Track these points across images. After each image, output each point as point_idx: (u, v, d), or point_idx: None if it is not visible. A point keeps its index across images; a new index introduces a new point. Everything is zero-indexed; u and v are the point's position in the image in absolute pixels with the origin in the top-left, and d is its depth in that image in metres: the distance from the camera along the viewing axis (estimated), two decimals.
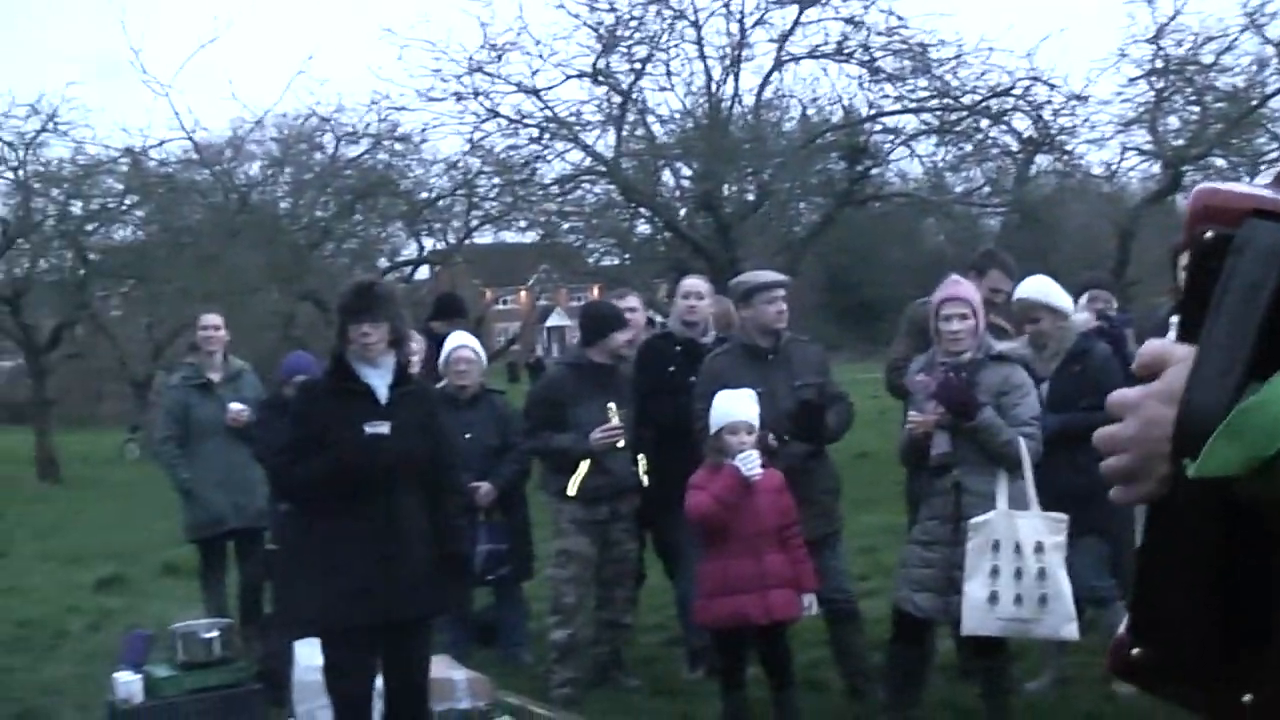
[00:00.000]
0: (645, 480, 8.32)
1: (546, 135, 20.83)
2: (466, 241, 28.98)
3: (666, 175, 22.04)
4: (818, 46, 20.18)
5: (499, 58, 19.92)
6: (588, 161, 21.16)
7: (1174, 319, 1.35)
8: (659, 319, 10.22)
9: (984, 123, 20.56)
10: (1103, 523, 7.00)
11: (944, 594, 6.65)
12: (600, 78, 20.12)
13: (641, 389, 8.44)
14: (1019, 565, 6.42)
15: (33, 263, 27.27)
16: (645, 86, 20.70)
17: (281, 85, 54.87)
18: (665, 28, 20.01)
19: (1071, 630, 6.55)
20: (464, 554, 6.46)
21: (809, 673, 7.96)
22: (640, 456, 8.33)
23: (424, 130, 22.78)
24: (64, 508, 21.07)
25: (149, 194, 25.80)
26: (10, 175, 26.06)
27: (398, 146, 24.90)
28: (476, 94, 20.25)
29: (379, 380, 6.13)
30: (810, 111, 22.20)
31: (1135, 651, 1.30)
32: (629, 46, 19.98)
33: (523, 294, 55.36)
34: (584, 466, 8.12)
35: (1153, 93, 20.53)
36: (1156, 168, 22.02)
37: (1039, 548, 6.41)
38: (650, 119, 21.32)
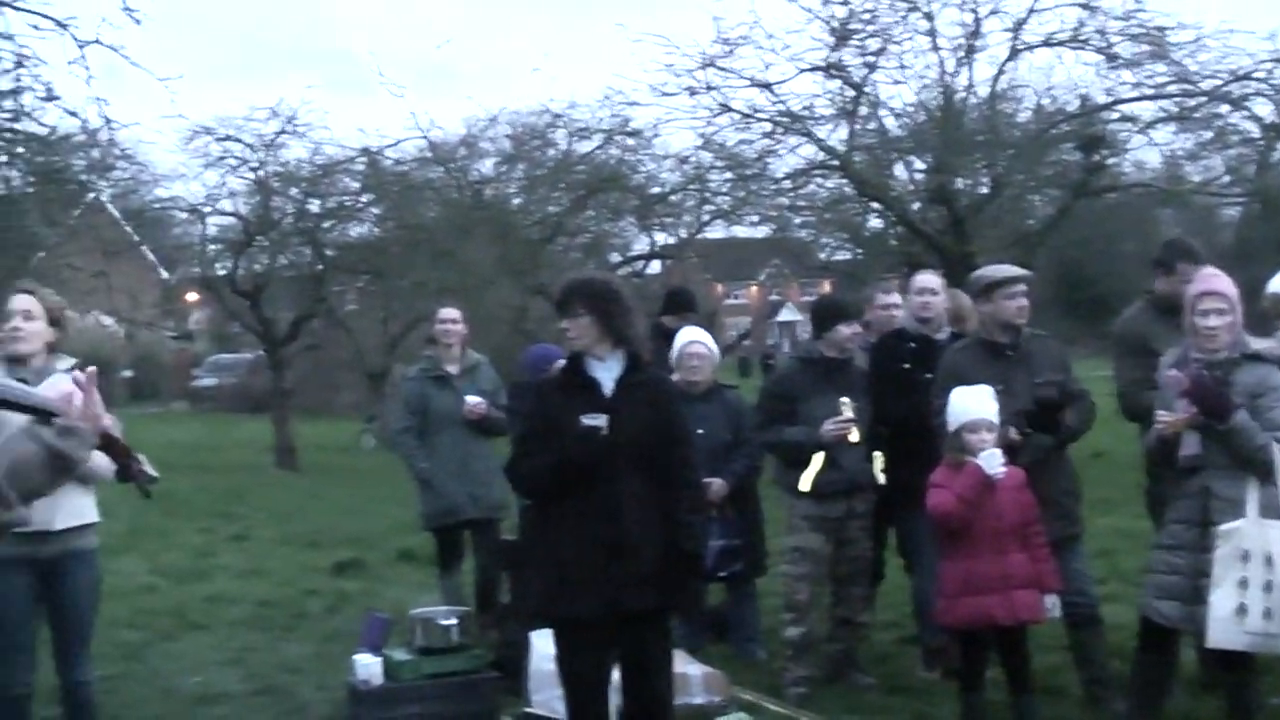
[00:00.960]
0: (881, 478, 8.22)
1: (779, 130, 20.71)
2: (698, 236, 29.00)
3: (899, 169, 21.75)
4: (1053, 34, 19.68)
5: (731, 52, 19.85)
6: (820, 156, 21.00)
7: None
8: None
9: (1224, 108, 19.83)
10: None
11: (1190, 603, 6.39)
12: (833, 71, 19.93)
13: (876, 386, 8.35)
14: (1269, 578, 6.15)
15: (272, 259, 28.02)
16: (878, 79, 20.47)
17: (515, 83, 55.69)
18: (898, 19, 19.76)
19: None
20: (697, 549, 6.42)
21: (1047, 678, 7.78)
22: (876, 454, 8.23)
23: (656, 125, 22.81)
24: (302, 494, 21.60)
25: (385, 192, 26.28)
26: (251, 176, 26.85)
27: (630, 142, 24.98)
28: (709, 88, 20.20)
29: (605, 373, 6.13)
30: (1044, 101, 21.74)
31: None
32: (862, 39, 19.77)
33: (753, 289, 55.40)
34: (817, 461, 8.05)
35: None
36: None
37: None
38: (882, 112, 21.07)
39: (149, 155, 31.16)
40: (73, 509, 6.37)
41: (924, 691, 8.11)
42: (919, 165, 21.29)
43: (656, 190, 25.92)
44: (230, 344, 48.64)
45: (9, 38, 12.47)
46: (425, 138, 24.98)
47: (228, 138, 26.18)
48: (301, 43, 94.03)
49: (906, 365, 8.34)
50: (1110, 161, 21.40)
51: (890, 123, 21.20)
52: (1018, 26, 19.67)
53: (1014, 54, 20.05)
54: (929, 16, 19.65)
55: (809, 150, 21.09)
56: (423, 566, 12.01)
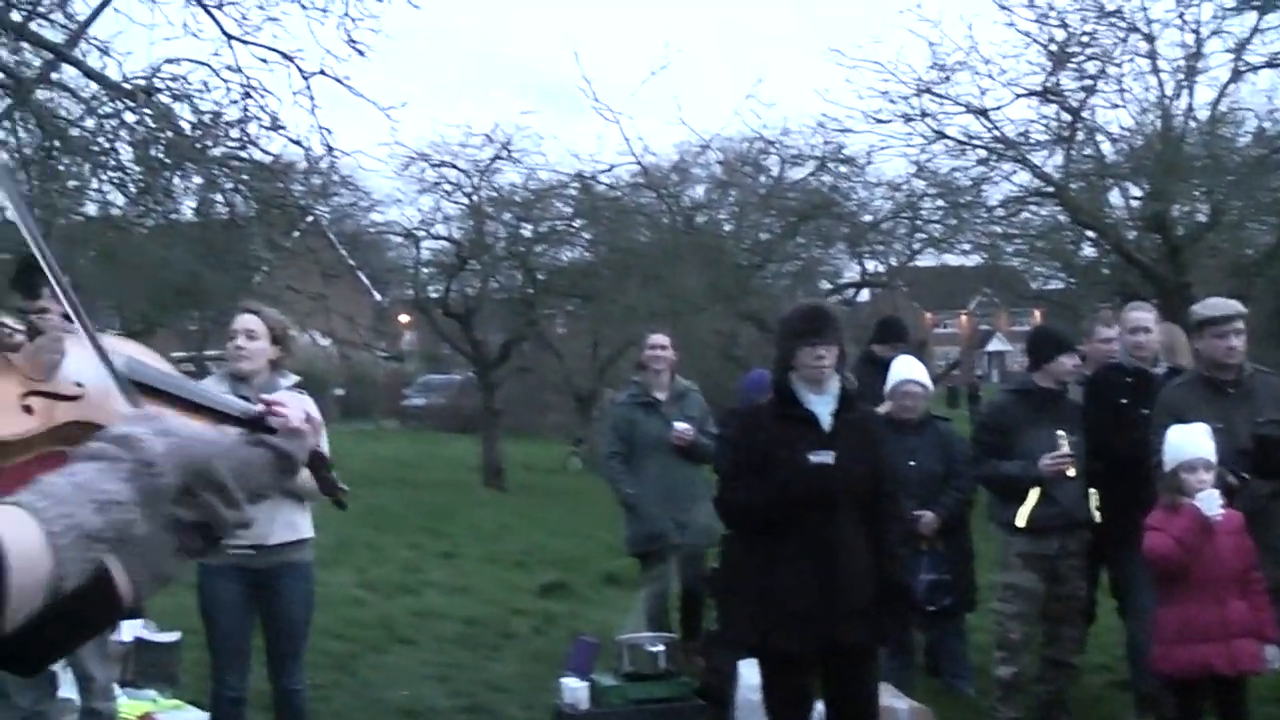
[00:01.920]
0: (1097, 515, 8.05)
1: (993, 156, 20.47)
2: (908, 264, 28.77)
3: (1114, 196, 21.32)
4: (1276, 54, 19.12)
5: (948, 78, 19.65)
6: (1034, 183, 20.68)
7: None
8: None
9: None
10: None
11: None
12: (1049, 95, 19.61)
13: (1092, 420, 8.18)
14: None
15: (484, 282, 28.45)
16: (1095, 103, 20.09)
17: (727, 109, 55.79)
18: (1117, 41, 19.37)
19: None
20: (905, 583, 6.35)
21: None
22: (1092, 490, 8.06)
23: (869, 152, 22.71)
24: (509, 514, 21.80)
25: (597, 217, 26.51)
26: (465, 200, 27.33)
27: (842, 169, 24.90)
28: (924, 115, 20.04)
29: (822, 406, 6.09)
30: (1266, 125, 21.10)
31: None
32: (1079, 62, 19.42)
33: (963, 318, 54.78)
34: (1033, 497, 7.90)
35: None
36: None
37: None
38: (1099, 137, 20.66)
39: (367, 180, 31.99)
40: (289, 524, 6.53)
41: None
42: (1135, 192, 20.84)
43: (868, 218, 25.80)
44: (441, 365, 49.48)
45: (238, 70, 12.90)
46: (639, 163, 25.15)
47: (443, 163, 26.72)
48: (518, 67, 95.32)
49: (1123, 400, 8.16)
50: None
51: (1107, 148, 20.77)
52: (1240, 47, 19.15)
53: (1236, 76, 19.51)
54: (1149, 38, 19.22)
55: (1023, 177, 20.81)
56: (629, 590, 12.07)
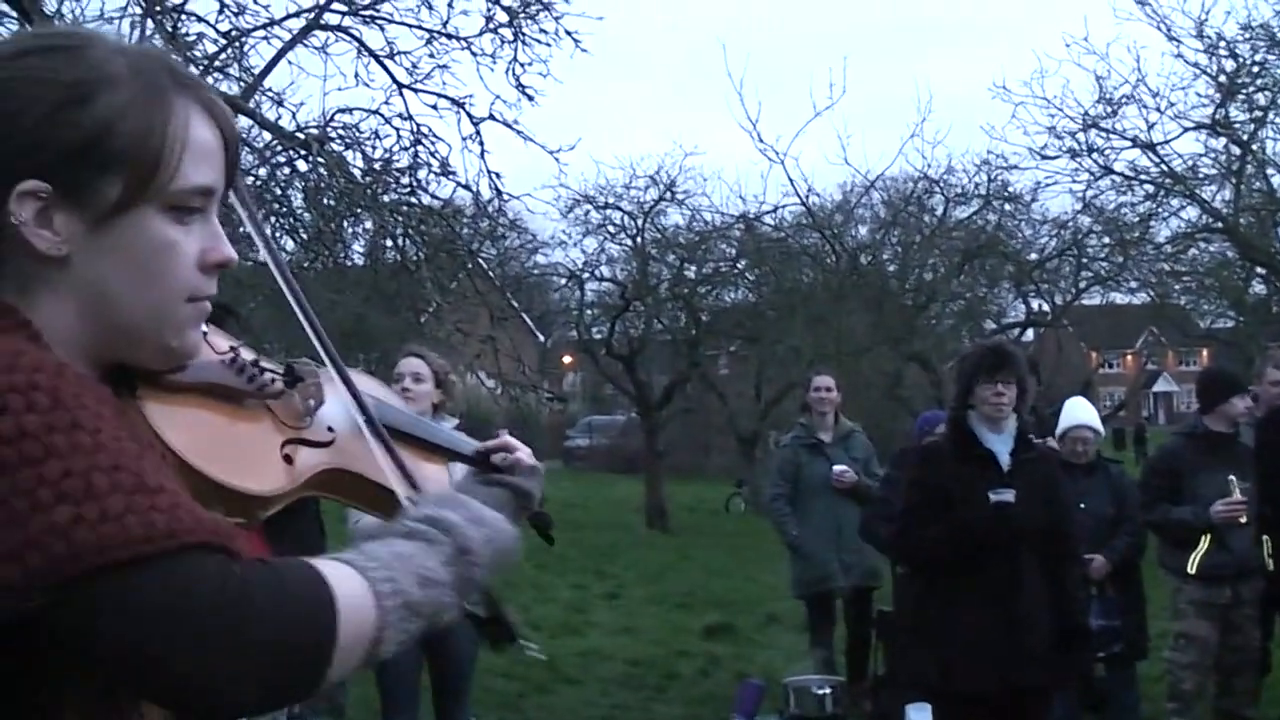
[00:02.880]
0: (1270, 564, 7.87)
1: (1161, 192, 20.18)
2: (1074, 303, 28.42)
3: None
4: None
5: (1115, 112, 19.43)
6: (1203, 218, 20.35)
7: None
8: None
9: None
10: None
11: None
12: (1219, 129, 19.29)
13: (1264, 465, 8.01)
14: None
15: (648, 323, 28.65)
16: (1266, 136, 19.71)
17: (891, 148, 55.54)
18: None
19: None
20: (1085, 626, 6.29)
21: None
22: (1265, 537, 7.89)
23: (1035, 189, 22.54)
24: (672, 554, 21.87)
25: (761, 258, 26.55)
26: (629, 242, 27.55)
27: (1007, 207, 24.74)
28: (1090, 150, 19.84)
29: (1001, 445, 6.07)
30: None
31: None
32: (1249, 94, 19.08)
33: (1129, 357, 53.91)
34: (1204, 543, 7.76)
35: None
36: None
37: None
38: (1270, 170, 20.28)
39: (532, 222, 32.40)
40: None
41: None
42: None
43: (1033, 256, 25.55)
44: (604, 406, 49.76)
45: (408, 118, 13.15)
46: (803, 203, 25.19)
47: (607, 205, 26.97)
48: (685, 107, 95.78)
49: None
50: None
51: (1278, 181, 20.40)
52: None
53: None
54: None
55: (1191, 213, 20.50)
56: (794, 632, 12.03)
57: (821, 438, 9.88)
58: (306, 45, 12.81)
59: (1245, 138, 19.50)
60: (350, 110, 13.37)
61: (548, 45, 13.16)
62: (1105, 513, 8.48)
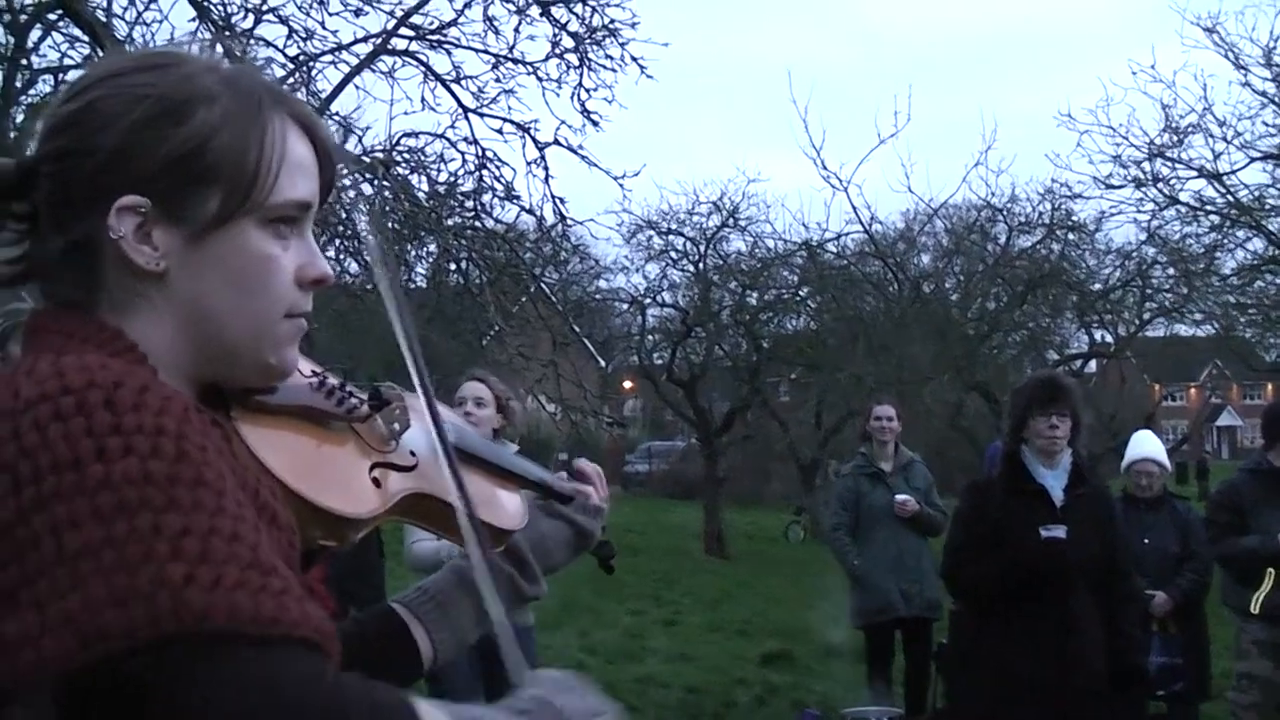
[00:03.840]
0: None
1: (1227, 223, 20.01)
2: (1137, 335, 28.21)
3: None
4: None
5: (1181, 141, 19.29)
6: (1270, 250, 20.17)
7: None
8: None
9: None
10: None
11: None
12: None
13: None
14: None
15: (708, 350, 28.64)
16: None
17: (954, 176, 55.41)
18: None
19: None
20: (1141, 665, 6.22)
21: None
22: None
23: (1099, 218, 22.41)
24: (730, 582, 21.80)
25: (824, 285, 26.51)
26: (691, 268, 27.58)
27: (1071, 236, 24.60)
28: (1156, 180, 19.69)
29: (1054, 481, 6.02)
30: None
31: None
32: None
33: (1193, 391, 53.48)
34: (1268, 582, 7.65)
35: None
36: None
37: None
38: None
39: (595, 247, 32.49)
40: None
41: None
42: None
43: (1097, 286, 25.40)
44: (664, 431, 49.77)
45: (473, 142, 13.24)
46: (866, 231, 25.14)
47: (670, 231, 27.01)
48: (747, 135, 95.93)
49: None
50: None
51: None
52: None
53: None
54: None
55: (1258, 244, 20.33)
56: (852, 663, 11.96)
57: (882, 467, 9.83)
58: (373, 70, 12.94)
59: None
60: (416, 134, 13.49)
61: (613, 71, 13.25)
62: (1170, 549, 8.39)
